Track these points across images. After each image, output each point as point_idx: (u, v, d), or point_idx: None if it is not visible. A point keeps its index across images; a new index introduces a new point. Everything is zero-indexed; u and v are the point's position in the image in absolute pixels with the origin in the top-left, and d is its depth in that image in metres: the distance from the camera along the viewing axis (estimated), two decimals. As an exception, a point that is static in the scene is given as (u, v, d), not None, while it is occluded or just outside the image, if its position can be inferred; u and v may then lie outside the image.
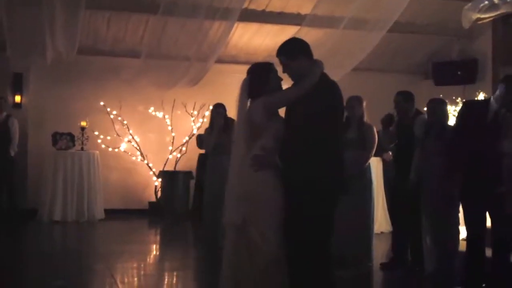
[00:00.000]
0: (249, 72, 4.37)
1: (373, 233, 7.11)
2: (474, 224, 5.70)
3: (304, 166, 4.04)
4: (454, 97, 10.18)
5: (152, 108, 11.60)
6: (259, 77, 4.29)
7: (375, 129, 7.16)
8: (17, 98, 11.11)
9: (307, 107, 4.06)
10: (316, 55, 10.21)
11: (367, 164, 7.02)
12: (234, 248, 4.20)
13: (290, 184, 4.08)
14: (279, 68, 4.37)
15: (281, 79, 4.33)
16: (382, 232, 8.95)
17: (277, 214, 4.09)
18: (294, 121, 4.14)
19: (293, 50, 4.24)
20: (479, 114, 5.64)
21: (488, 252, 5.71)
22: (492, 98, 5.62)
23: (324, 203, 4.09)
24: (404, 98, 6.87)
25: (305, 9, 10.13)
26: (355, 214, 6.82)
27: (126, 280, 6.51)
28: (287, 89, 4.28)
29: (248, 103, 4.31)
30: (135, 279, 6.73)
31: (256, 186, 4.15)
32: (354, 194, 6.80)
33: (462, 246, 6.01)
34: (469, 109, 5.83)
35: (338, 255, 6.85)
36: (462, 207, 5.92)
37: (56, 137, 10.71)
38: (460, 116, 5.84)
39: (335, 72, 10.64)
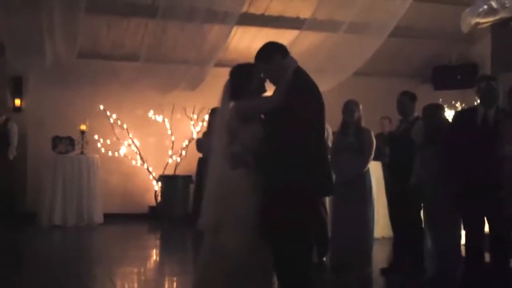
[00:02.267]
0: (231, 73, 4.33)
1: (373, 238, 7.11)
2: (473, 229, 5.74)
3: (283, 171, 3.95)
4: (453, 102, 10.21)
5: (151, 112, 11.60)
6: (240, 79, 4.26)
7: (372, 134, 7.17)
8: (17, 102, 11.12)
9: (286, 109, 3.97)
10: (316, 59, 10.23)
11: (366, 168, 7.02)
12: (206, 250, 4.18)
13: (269, 189, 4.01)
14: None
15: (265, 80, 4.28)
16: (383, 237, 8.95)
17: (250, 217, 4.02)
18: (272, 125, 4.08)
19: (266, 53, 4.20)
20: (468, 120, 5.73)
21: (487, 257, 5.74)
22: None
23: (303, 208, 4.00)
24: (410, 98, 6.85)
25: (305, 13, 10.13)
26: (355, 219, 6.83)
27: (126, 285, 6.50)
28: (260, 98, 4.24)
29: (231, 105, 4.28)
30: (135, 284, 6.71)
31: (231, 186, 4.10)
32: (353, 199, 6.88)
33: (463, 251, 6.02)
34: (459, 117, 5.94)
35: (338, 260, 6.90)
36: (461, 212, 5.93)
37: (56, 141, 10.70)
38: (451, 125, 5.94)
39: (335, 77, 10.70)
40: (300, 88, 4.04)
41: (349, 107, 7.07)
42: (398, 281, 6.56)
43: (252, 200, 4.05)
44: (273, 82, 4.23)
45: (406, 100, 6.84)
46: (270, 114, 4.13)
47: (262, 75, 4.26)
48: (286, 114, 3.96)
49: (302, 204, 3.97)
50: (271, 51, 4.20)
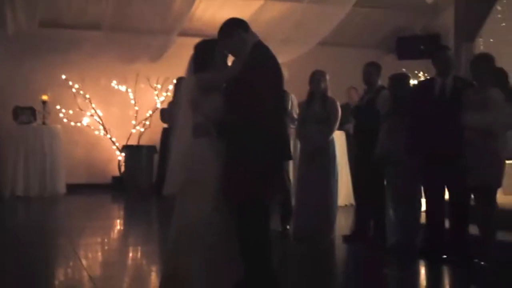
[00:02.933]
0: (195, 48, 4.50)
1: (337, 207, 7.18)
2: (433, 197, 5.86)
3: (241, 139, 4.15)
4: (416, 72, 10.30)
5: (115, 82, 11.48)
6: (203, 54, 4.42)
7: (338, 103, 7.20)
8: (-23, 71, 10.87)
9: (242, 81, 4.16)
10: (281, 29, 10.21)
11: (330, 138, 7.07)
12: (175, 217, 4.35)
13: (228, 157, 4.18)
14: None
15: (227, 55, 4.45)
16: (345, 205, 9.06)
17: (212, 184, 4.20)
18: (231, 95, 4.24)
19: (228, 29, 4.35)
20: (427, 90, 5.87)
21: (447, 224, 5.86)
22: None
23: (260, 175, 4.16)
24: (376, 70, 6.89)
25: (270, -18, 10.08)
26: (319, 187, 6.90)
27: (89, 255, 6.47)
28: (219, 71, 4.39)
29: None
30: (99, 254, 6.69)
31: (194, 154, 4.28)
32: (318, 168, 6.93)
33: (423, 219, 6.13)
34: (418, 88, 6.06)
35: (302, 228, 6.98)
36: (423, 180, 6.03)
37: (17, 111, 10.55)
38: (412, 95, 6.04)
39: (300, 46, 10.71)
40: (256, 61, 4.20)
41: (316, 77, 7.09)
42: (360, 249, 6.65)
43: (213, 167, 4.22)
44: (235, 56, 4.40)
45: (372, 70, 6.88)
46: (227, 86, 4.32)
47: (224, 50, 4.42)
48: (241, 85, 4.16)
49: (259, 171, 4.14)
50: (233, 26, 4.35)
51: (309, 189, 6.94)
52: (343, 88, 9.78)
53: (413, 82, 8.37)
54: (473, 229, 5.64)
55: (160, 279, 4.51)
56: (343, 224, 7.71)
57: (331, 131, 7.04)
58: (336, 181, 7.10)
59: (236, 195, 4.15)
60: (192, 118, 4.33)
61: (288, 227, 7.20)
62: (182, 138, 4.39)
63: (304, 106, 7.20)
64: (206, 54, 4.40)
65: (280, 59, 9.58)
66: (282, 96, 4.52)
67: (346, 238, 6.90)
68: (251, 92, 4.10)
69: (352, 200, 7.85)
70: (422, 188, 6.15)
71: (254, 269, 4.19)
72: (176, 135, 4.48)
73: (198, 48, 4.47)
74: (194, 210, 4.21)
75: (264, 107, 4.13)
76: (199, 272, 4.19)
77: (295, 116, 7.39)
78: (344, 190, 8.74)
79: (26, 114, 10.58)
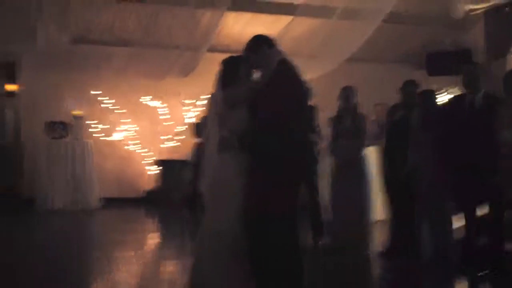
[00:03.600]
0: (221, 64, 4.64)
1: (371, 221, 7.18)
2: (469, 212, 5.82)
3: (269, 156, 4.20)
4: (446, 88, 10.26)
5: (145, 97, 11.58)
6: (229, 69, 4.57)
7: (368, 119, 7.25)
8: (10, 87, 11.05)
9: (266, 97, 4.26)
10: (310, 45, 10.23)
11: (362, 153, 7.09)
12: (200, 230, 4.51)
13: (252, 173, 4.24)
14: None
15: (252, 71, 4.55)
16: (380, 221, 9.02)
17: (234, 200, 4.28)
18: (255, 111, 4.32)
19: (253, 44, 4.50)
20: (457, 106, 5.84)
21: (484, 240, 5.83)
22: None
23: (286, 194, 4.22)
24: (415, 88, 6.88)
25: (299, -1, 10.13)
26: (353, 202, 6.92)
27: (124, 268, 6.53)
28: (244, 86, 4.48)
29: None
30: (134, 267, 6.76)
31: (219, 168, 4.41)
32: (351, 183, 6.95)
33: (459, 234, 6.08)
34: (449, 104, 6.06)
35: (336, 243, 6.98)
36: (454, 195, 6.00)
37: (50, 127, 10.70)
38: (443, 111, 6.03)
39: (329, 63, 10.72)
40: (280, 77, 4.31)
41: (346, 94, 7.15)
42: (395, 265, 6.62)
43: (237, 181, 4.31)
44: (260, 71, 4.52)
45: (412, 90, 6.84)
46: (251, 101, 4.39)
47: (250, 66, 4.55)
48: (265, 101, 4.25)
49: (283, 188, 4.19)
50: (258, 42, 4.50)
51: (343, 204, 6.96)
52: (371, 104, 9.76)
53: (444, 98, 8.35)
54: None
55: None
56: (377, 240, 7.67)
57: (362, 146, 7.07)
58: (369, 195, 7.11)
59: (259, 209, 4.18)
60: (218, 132, 4.46)
61: (321, 242, 7.22)
62: (210, 152, 4.52)
63: (335, 122, 7.24)
64: (232, 69, 4.54)
65: (309, 75, 9.66)
66: (305, 113, 4.63)
67: (381, 254, 6.87)
68: (275, 108, 4.18)
69: (386, 216, 7.82)
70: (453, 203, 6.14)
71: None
72: (206, 149, 4.62)
73: (225, 63, 4.62)
74: (218, 223, 4.32)
75: (286, 122, 4.20)
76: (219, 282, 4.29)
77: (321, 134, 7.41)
78: (379, 205, 8.70)
79: (59, 129, 10.74)
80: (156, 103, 11.62)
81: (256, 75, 4.55)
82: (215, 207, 4.39)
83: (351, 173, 6.98)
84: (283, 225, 4.23)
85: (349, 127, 7.07)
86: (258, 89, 4.35)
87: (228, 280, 4.28)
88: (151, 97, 11.57)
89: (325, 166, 7.56)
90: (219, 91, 4.54)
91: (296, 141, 4.30)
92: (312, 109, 7.26)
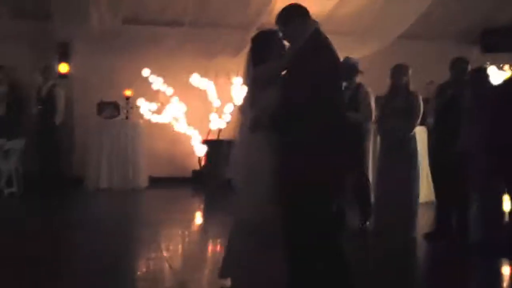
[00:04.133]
0: (252, 40, 4.43)
1: (418, 203, 7.03)
2: None
3: (299, 132, 3.93)
4: (501, 65, 9.94)
5: (195, 77, 11.60)
6: (260, 45, 4.35)
7: (421, 98, 7.05)
8: (64, 68, 11.22)
9: (299, 71, 3.97)
10: (361, 23, 10.04)
11: (412, 132, 6.94)
12: (234, 211, 4.46)
13: (284, 149, 4.00)
14: None
15: (284, 46, 4.29)
16: (426, 202, 8.86)
17: (266, 178, 4.08)
18: (286, 85, 4.08)
19: (286, 15, 4.16)
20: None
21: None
22: None
23: (322, 169, 3.89)
24: (466, 65, 6.67)
25: (350, -24, 9.96)
26: (399, 183, 6.80)
27: (171, 247, 6.60)
28: (273, 62, 4.25)
29: None
30: (180, 246, 6.82)
31: (250, 147, 4.23)
32: (399, 163, 6.83)
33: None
34: (503, 84, 5.82)
35: (381, 223, 6.89)
36: (505, 178, 5.82)
37: (101, 106, 10.85)
38: (499, 91, 5.78)
39: (380, 40, 10.53)
40: (311, 49, 4.00)
41: (398, 71, 6.98)
42: (442, 247, 6.50)
43: (269, 161, 4.09)
44: (292, 43, 4.21)
45: (465, 67, 6.64)
46: (283, 75, 4.16)
47: (282, 39, 4.28)
48: (295, 74, 4.00)
49: (316, 162, 3.88)
50: (291, 13, 4.17)
51: (390, 184, 6.84)
52: (423, 82, 9.54)
53: (499, 75, 8.08)
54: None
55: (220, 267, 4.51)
56: (424, 221, 7.53)
57: (413, 126, 6.91)
58: (418, 176, 6.96)
59: (292, 192, 3.93)
60: (250, 112, 4.29)
61: (367, 223, 7.12)
62: (243, 132, 4.38)
63: (386, 100, 7.09)
64: (263, 45, 4.33)
65: (359, 54, 9.50)
66: (339, 85, 4.29)
67: (428, 236, 6.75)
68: (305, 81, 3.89)
69: (433, 197, 7.67)
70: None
71: (302, 273, 3.97)
72: (239, 129, 4.47)
73: (256, 40, 4.40)
74: (250, 204, 4.19)
75: (318, 96, 3.89)
76: (246, 264, 4.21)
77: (372, 110, 7.19)
78: (425, 187, 8.54)
79: (110, 108, 10.88)
80: (205, 83, 11.62)
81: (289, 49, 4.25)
82: (246, 191, 4.23)
83: (399, 152, 6.85)
84: (321, 210, 3.94)
85: (400, 105, 6.91)
86: (288, 62, 4.07)
87: (260, 266, 4.16)
88: (201, 76, 11.56)
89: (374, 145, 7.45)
90: (248, 70, 4.37)
91: (332, 117, 3.97)
92: (359, 87, 7.14)
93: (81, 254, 6.19)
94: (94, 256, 5.91)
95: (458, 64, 6.68)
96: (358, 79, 7.22)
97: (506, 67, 8.79)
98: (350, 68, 6.99)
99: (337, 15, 10.05)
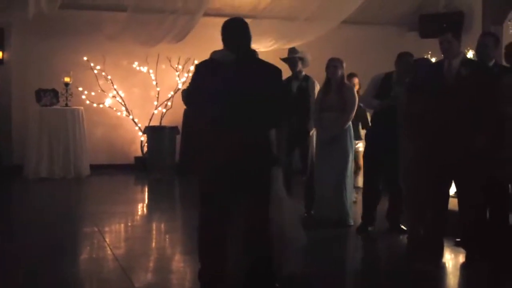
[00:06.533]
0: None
1: (351, 195, 7.24)
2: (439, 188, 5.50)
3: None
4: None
5: (136, 63, 11.47)
6: None
7: (355, 91, 7.16)
8: (-1, 54, 10.93)
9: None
10: (304, 8, 10.05)
11: (347, 126, 7.01)
12: None
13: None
14: None
15: None
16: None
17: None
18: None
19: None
20: (434, 72, 5.55)
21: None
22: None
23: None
24: (411, 58, 6.62)
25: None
26: (336, 174, 6.93)
27: (113, 234, 6.54)
28: None
29: None
30: (121, 230, 6.79)
31: None
32: (333, 155, 6.93)
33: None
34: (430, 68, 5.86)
35: (321, 214, 7.01)
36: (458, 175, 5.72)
37: (40, 94, 10.60)
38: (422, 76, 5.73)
39: (324, 25, 10.59)
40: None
41: (332, 64, 7.01)
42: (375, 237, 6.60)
43: None
44: None
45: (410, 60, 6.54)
46: None
47: None
48: None
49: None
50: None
51: (327, 175, 6.95)
52: (364, 66, 9.64)
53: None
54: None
55: None
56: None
57: (347, 120, 6.97)
58: (350, 168, 7.13)
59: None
60: None
61: (312, 212, 7.25)
62: None
63: (321, 94, 7.11)
64: None
65: (305, 39, 9.54)
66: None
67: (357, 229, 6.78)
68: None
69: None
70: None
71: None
72: None
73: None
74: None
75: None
76: None
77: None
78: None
79: (49, 96, 10.63)
80: (147, 69, 11.49)
81: None
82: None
83: (335, 145, 6.94)
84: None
85: (335, 99, 6.94)
86: None
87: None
88: (142, 62, 11.43)
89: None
90: None
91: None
92: (308, 78, 7.23)
93: (15, 248, 5.88)
94: (33, 243, 5.87)
95: (403, 57, 6.61)
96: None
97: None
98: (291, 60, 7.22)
99: (280, 0, 10.05)
